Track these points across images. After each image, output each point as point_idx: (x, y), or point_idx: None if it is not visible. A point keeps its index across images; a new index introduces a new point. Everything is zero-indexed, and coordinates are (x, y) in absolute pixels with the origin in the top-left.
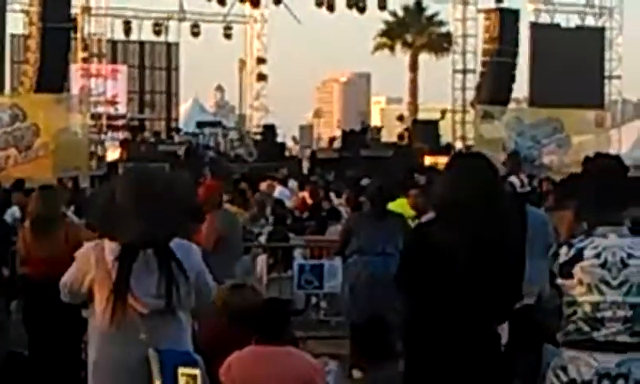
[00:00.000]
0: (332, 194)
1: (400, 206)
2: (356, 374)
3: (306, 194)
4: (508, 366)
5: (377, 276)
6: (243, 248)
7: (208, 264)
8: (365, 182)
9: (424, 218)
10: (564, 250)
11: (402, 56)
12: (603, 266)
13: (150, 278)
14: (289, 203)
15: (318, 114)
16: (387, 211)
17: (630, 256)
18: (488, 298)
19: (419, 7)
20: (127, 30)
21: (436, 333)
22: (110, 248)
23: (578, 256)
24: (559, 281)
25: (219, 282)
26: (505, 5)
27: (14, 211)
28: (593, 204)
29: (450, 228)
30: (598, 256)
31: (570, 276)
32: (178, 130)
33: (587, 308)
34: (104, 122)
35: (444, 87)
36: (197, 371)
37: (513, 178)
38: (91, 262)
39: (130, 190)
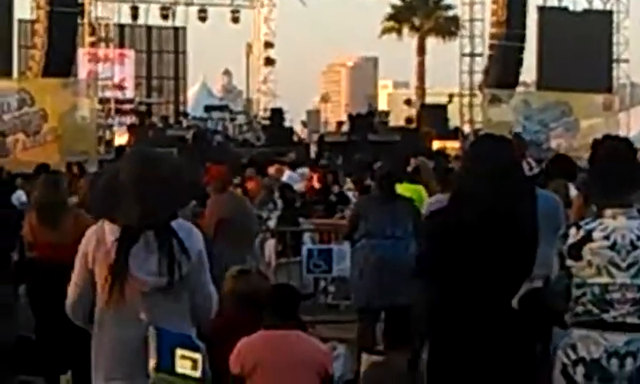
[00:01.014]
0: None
1: (405, 189)
2: (365, 357)
3: (314, 178)
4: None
5: (385, 259)
6: (254, 233)
7: (210, 250)
8: (377, 165)
9: (432, 199)
10: (573, 231)
11: (410, 40)
12: (612, 247)
13: (150, 256)
14: (298, 187)
15: (325, 98)
16: (396, 195)
17: (639, 238)
18: (506, 276)
19: None
20: (135, 15)
21: (462, 316)
22: (111, 229)
23: (588, 237)
24: (568, 262)
25: (226, 267)
26: None
27: (19, 195)
28: (602, 186)
29: (465, 209)
30: (607, 238)
31: (580, 257)
32: (185, 115)
33: (597, 290)
34: (112, 106)
35: (452, 71)
36: (197, 356)
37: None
38: (92, 243)
39: (131, 171)
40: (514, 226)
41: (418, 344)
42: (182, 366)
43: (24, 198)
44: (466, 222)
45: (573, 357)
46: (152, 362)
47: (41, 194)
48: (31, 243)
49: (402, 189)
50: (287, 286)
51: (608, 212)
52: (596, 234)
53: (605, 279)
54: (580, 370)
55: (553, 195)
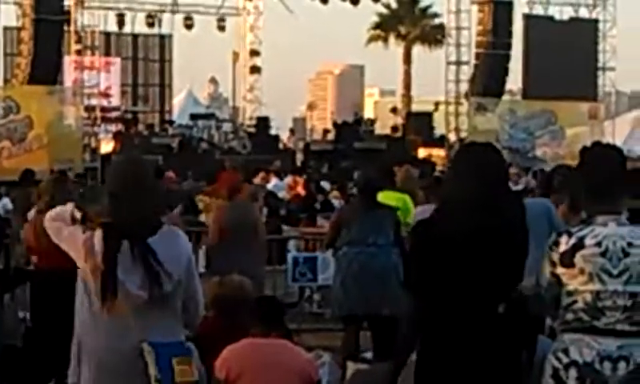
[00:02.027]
0: (325, 185)
1: (391, 198)
2: (350, 365)
3: (299, 186)
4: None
5: (367, 267)
6: (261, 240)
7: (210, 257)
8: (357, 174)
9: (418, 210)
10: (564, 238)
11: (396, 48)
12: (604, 254)
13: (135, 269)
14: (283, 195)
15: (311, 106)
16: (377, 203)
17: (630, 245)
18: (495, 286)
19: None
20: (120, 23)
21: (450, 327)
22: (99, 239)
23: (579, 244)
24: (559, 270)
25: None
26: None
27: (4, 203)
28: (592, 193)
29: (452, 219)
30: (598, 244)
31: (571, 265)
32: (171, 123)
33: (588, 297)
34: (97, 114)
35: (438, 79)
36: (191, 360)
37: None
38: (82, 255)
39: (117, 179)
40: (502, 236)
41: (403, 356)
42: (181, 375)
43: (10, 205)
44: (453, 232)
45: (565, 360)
46: (153, 378)
47: (49, 198)
48: (32, 248)
49: (387, 197)
50: (272, 297)
51: (599, 219)
52: (587, 241)
53: (596, 286)
54: (572, 373)
55: (544, 201)
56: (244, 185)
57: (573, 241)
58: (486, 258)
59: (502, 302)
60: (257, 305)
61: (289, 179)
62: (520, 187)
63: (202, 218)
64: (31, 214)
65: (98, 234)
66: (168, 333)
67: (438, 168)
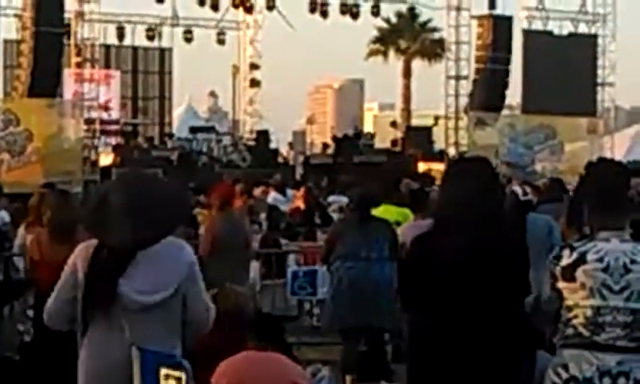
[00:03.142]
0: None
1: (383, 212)
2: (349, 379)
3: (299, 200)
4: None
5: (359, 281)
6: (248, 253)
7: (204, 269)
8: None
9: (410, 225)
10: (566, 252)
11: (396, 62)
12: (605, 270)
13: (137, 275)
14: (284, 209)
15: (311, 120)
16: (371, 217)
17: (632, 261)
18: (495, 304)
19: (412, 14)
20: (120, 35)
21: (444, 343)
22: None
23: (581, 259)
24: (561, 284)
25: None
26: (498, 11)
27: (2, 216)
28: (596, 208)
29: (450, 235)
30: (600, 260)
31: (573, 279)
32: (171, 136)
33: (589, 312)
34: (97, 127)
35: (437, 94)
36: (182, 374)
37: (515, 187)
38: (81, 261)
39: (121, 192)
40: (500, 250)
41: (412, 368)
42: None
43: (7, 218)
44: (449, 248)
45: (564, 376)
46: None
47: (54, 212)
48: (37, 262)
49: (388, 212)
50: (270, 314)
51: (602, 234)
52: (590, 256)
53: (597, 301)
54: None
55: (545, 218)
56: (243, 198)
57: (575, 255)
58: (484, 272)
59: (505, 321)
60: (255, 320)
61: (292, 193)
62: (529, 197)
63: (201, 230)
64: (21, 229)
65: (93, 242)
66: (162, 343)
67: (437, 183)
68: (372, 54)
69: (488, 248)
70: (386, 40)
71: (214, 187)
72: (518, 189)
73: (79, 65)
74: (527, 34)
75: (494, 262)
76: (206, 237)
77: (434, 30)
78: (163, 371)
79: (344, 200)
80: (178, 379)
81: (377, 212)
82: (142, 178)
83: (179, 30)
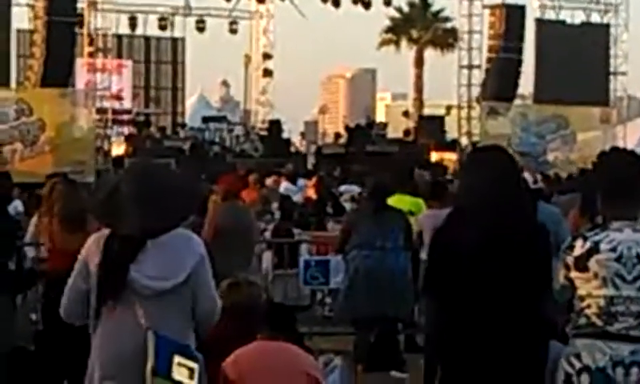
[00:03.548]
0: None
1: (397, 202)
2: (359, 368)
3: (312, 190)
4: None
5: (375, 271)
6: (251, 244)
7: (211, 257)
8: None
9: (427, 214)
10: (579, 242)
11: (408, 52)
12: (619, 259)
13: (148, 262)
14: (296, 198)
15: (323, 109)
16: (387, 206)
17: None
18: (518, 293)
19: (425, 3)
20: (133, 25)
21: (473, 336)
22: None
23: (594, 249)
24: (573, 274)
25: (224, 275)
26: (510, 1)
27: (16, 205)
28: (608, 197)
29: (472, 225)
30: (613, 250)
31: (586, 269)
32: (183, 126)
33: (602, 302)
34: (109, 116)
35: (449, 83)
36: (195, 365)
37: (526, 174)
38: (93, 251)
39: (133, 182)
40: (518, 240)
41: (432, 360)
42: (179, 373)
43: (21, 207)
44: (471, 240)
45: (577, 365)
46: (149, 365)
47: (65, 202)
48: (49, 251)
49: (401, 201)
50: (282, 304)
51: (614, 224)
52: (603, 246)
53: (610, 291)
54: (585, 378)
55: (554, 209)
56: (256, 188)
57: (588, 245)
58: (502, 266)
59: (530, 310)
60: (267, 310)
61: (304, 182)
62: (539, 186)
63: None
64: (34, 218)
65: (104, 233)
66: (175, 330)
67: (450, 172)
68: (384, 43)
69: (505, 237)
70: (398, 29)
71: (221, 177)
72: (528, 176)
73: (92, 54)
74: (540, 23)
75: (511, 251)
76: (208, 226)
77: (447, 19)
78: (177, 359)
79: (356, 189)
80: (191, 370)
81: (390, 201)
82: (152, 167)
83: (191, 20)
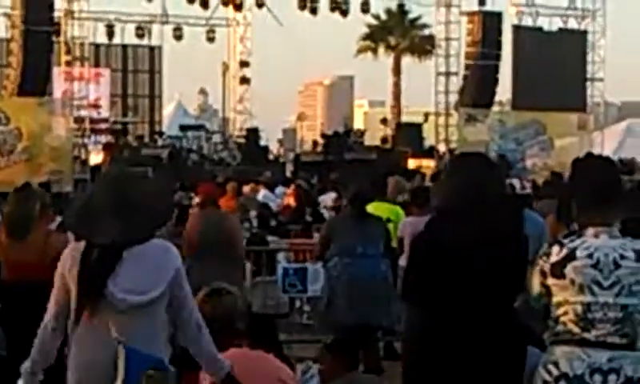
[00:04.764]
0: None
1: (375, 209)
2: None
3: (290, 198)
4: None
5: (357, 278)
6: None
7: (190, 266)
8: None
9: (408, 220)
10: (555, 249)
11: (385, 59)
12: (595, 266)
13: (124, 274)
14: (274, 206)
15: (301, 117)
16: (366, 213)
17: (622, 257)
18: (496, 294)
19: (402, 10)
20: (110, 34)
21: (451, 336)
22: (81, 248)
23: (571, 256)
24: (550, 280)
25: (197, 285)
26: (488, 7)
27: None
28: (583, 204)
29: (456, 226)
30: (590, 256)
31: (562, 276)
32: (161, 134)
33: (579, 309)
34: (87, 125)
35: (427, 90)
36: (166, 377)
37: (514, 180)
38: (68, 263)
39: (106, 191)
40: (500, 243)
41: (410, 365)
42: None
43: None
44: (455, 240)
45: (555, 373)
46: (119, 381)
47: (10, 210)
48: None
49: (379, 208)
50: (263, 314)
51: (590, 231)
52: (579, 252)
53: (587, 298)
54: None
55: (539, 218)
56: (234, 196)
57: (564, 252)
58: (485, 267)
59: (504, 311)
60: (250, 324)
61: (282, 190)
62: (527, 191)
63: None
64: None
65: (83, 243)
66: (148, 344)
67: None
68: (362, 50)
69: (491, 238)
70: (375, 37)
71: (200, 186)
72: (516, 182)
73: (69, 63)
74: (517, 29)
75: (493, 253)
76: (188, 234)
77: (424, 26)
78: (148, 373)
79: (332, 196)
80: (162, 382)
81: (369, 208)
82: (126, 176)
83: (169, 28)
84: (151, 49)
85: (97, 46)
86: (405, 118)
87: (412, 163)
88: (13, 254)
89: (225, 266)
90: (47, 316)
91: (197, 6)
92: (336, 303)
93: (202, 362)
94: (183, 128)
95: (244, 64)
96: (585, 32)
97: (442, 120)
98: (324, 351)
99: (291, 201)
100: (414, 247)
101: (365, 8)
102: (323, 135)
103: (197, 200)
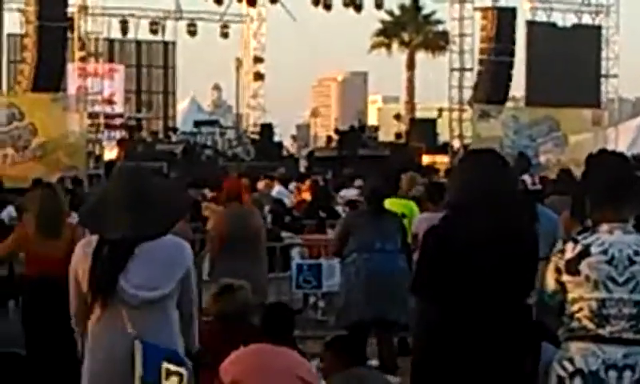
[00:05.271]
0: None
1: (396, 205)
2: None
3: (306, 193)
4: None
5: (376, 273)
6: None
7: (213, 265)
8: (357, 183)
9: (423, 216)
10: (570, 246)
11: (399, 55)
12: (610, 262)
13: (136, 270)
14: (287, 202)
15: (314, 113)
16: (384, 209)
17: (636, 253)
18: (508, 290)
19: (416, 6)
20: (124, 29)
21: (461, 331)
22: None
23: (585, 252)
24: (565, 277)
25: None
26: (501, 3)
27: (10, 211)
28: (597, 200)
29: (465, 225)
30: (604, 252)
31: (577, 272)
32: (175, 130)
33: (594, 305)
34: (101, 121)
35: (441, 86)
36: (183, 371)
37: (525, 176)
38: (81, 258)
39: (120, 187)
40: (511, 240)
41: (419, 360)
42: (168, 381)
43: (14, 213)
44: (462, 237)
45: (570, 369)
46: (137, 375)
47: (40, 207)
48: (27, 257)
49: (393, 204)
50: (282, 307)
51: (604, 227)
52: (594, 249)
53: (602, 294)
54: (577, 382)
55: (553, 214)
56: (248, 192)
57: (579, 248)
58: (496, 263)
59: (516, 308)
60: (266, 315)
61: (297, 185)
62: (537, 187)
63: (209, 225)
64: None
65: (95, 238)
66: (163, 338)
67: (441, 175)
68: (375, 46)
69: (502, 235)
70: (389, 32)
71: (224, 181)
72: (527, 178)
73: (83, 59)
74: (531, 25)
75: (506, 250)
76: (214, 233)
77: (438, 22)
78: (165, 366)
79: (353, 193)
80: (180, 375)
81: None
82: (140, 172)
83: (183, 24)
84: (165, 44)
85: (111, 42)
86: (419, 114)
87: (426, 159)
88: (43, 250)
89: (252, 261)
90: (71, 312)
91: (211, 1)
92: (354, 299)
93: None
94: (197, 124)
95: (258, 60)
96: (599, 27)
97: (455, 116)
98: (324, 348)
99: (307, 196)
100: (425, 242)
101: (379, 3)
102: (337, 131)
103: (209, 194)
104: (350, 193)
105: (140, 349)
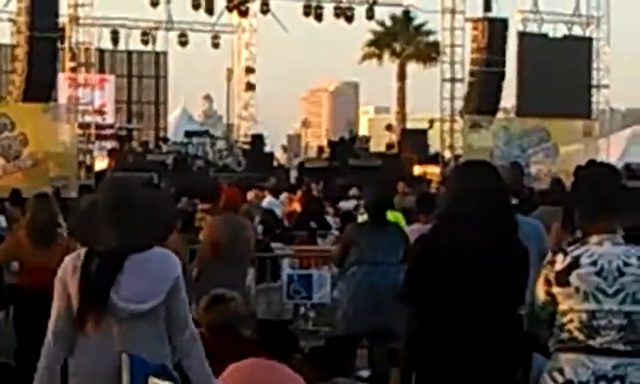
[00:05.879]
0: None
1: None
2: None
3: (296, 203)
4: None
5: (378, 286)
6: (247, 256)
7: (200, 271)
8: (353, 191)
9: (413, 228)
10: (560, 257)
11: (390, 65)
12: (599, 273)
13: (125, 283)
14: (278, 213)
15: (306, 123)
16: (386, 221)
17: (625, 264)
18: (498, 306)
19: (407, 17)
20: (115, 40)
21: (449, 341)
22: (83, 256)
23: (575, 264)
24: (555, 289)
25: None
26: (493, 14)
27: (0, 221)
28: (587, 212)
29: (457, 235)
30: (594, 264)
31: (567, 284)
32: (166, 140)
33: (584, 316)
34: (92, 131)
35: (432, 97)
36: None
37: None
38: (69, 271)
39: (109, 198)
40: (501, 251)
41: (407, 369)
42: None
43: (4, 223)
44: (453, 247)
45: (560, 380)
46: None
47: (34, 217)
48: (20, 266)
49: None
50: (279, 324)
51: (594, 238)
52: (583, 260)
53: (592, 305)
54: None
55: (535, 221)
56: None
57: (568, 260)
58: (487, 274)
59: (505, 319)
60: (263, 331)
61: (286, 196)
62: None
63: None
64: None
65: (83, 250)
66: (151, 352)
67: (433, 185)
68: (367, 57)
69: (492, 246)
70: (380, 43)
71: (224, 190)
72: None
73: (74, 69)
74: (522, 36)
75: (496, 261)
76: (208, 239)
77: (429, 33)
78: (152, 381)
79: (353, 203)
80: None
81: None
82: (125, 183)
83: (174, 34)
84: (156, 55)
85: (102, 52)
86: (410, 125)
87: (417, 170)
88: (36, 260)
89: (237, 271)
90: (50, 327)
91: (202, 12)
92: (355, 311)
93: (191, 377)
94: (188, 134)
95: (249, 70)
96: (590, 39)
97: (447, 126)
98: (301, 359)
99: (297, 206)
100: (413, 251)
101: (370, 14)
102: (329, 141)
103: (202, 206)
104: (348, 205)
105: (127, 363)
